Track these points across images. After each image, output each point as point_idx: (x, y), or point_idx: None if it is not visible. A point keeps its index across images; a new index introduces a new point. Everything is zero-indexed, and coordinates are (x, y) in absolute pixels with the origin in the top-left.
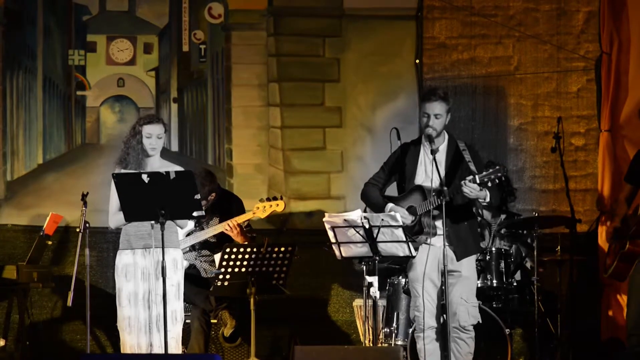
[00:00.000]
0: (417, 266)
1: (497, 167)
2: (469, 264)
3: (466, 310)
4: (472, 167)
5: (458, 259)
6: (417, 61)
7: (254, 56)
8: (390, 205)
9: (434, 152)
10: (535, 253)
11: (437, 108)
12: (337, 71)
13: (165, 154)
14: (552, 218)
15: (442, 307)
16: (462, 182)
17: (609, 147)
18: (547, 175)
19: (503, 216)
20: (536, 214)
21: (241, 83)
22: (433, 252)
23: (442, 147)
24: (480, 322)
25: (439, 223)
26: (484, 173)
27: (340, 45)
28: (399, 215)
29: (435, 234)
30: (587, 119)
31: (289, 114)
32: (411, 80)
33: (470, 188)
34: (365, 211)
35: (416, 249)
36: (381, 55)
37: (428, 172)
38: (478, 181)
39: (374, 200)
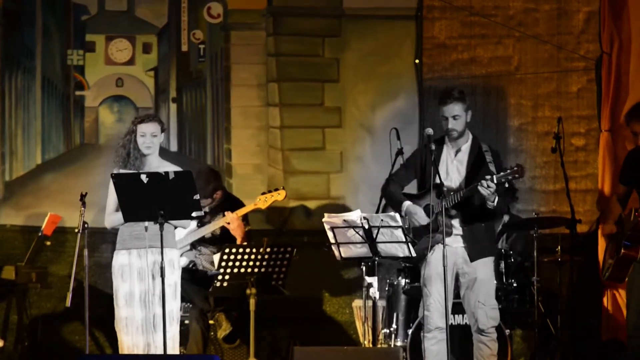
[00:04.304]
0: (432, 265)
1: (515, 168)
2: (484, 266)
3: (484, 313)
4: (492, 168)
5: (472, 260)
6: (417, 61)
7: (253, 56)
8: (407, 203)
9: (432, 152)
10: (535, 254)
11: (454, 109)
12: (337, 71)
13: (165, 154)
14: (552, 218)
15: (454, 307)
16: (480, 181)
17: (610, 147)
18: (547, 175)
19: (506, 217)
20: (536, 215)
21: (240, 83)
22: (447, 252)
23: (465, 147)
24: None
25: (455, 222)
26: (502, 173)
27: (340, 45)
28: (419, 212)
29: (450, 234)
30: (588, 119)
31: (289, 114)
32: (411, 81)
33: (485, 188)
34: (384, 209)
35: (432, 248)
36: (381, 55)
37: (450, 172)
38: (495, 181)
39: (393, 196)
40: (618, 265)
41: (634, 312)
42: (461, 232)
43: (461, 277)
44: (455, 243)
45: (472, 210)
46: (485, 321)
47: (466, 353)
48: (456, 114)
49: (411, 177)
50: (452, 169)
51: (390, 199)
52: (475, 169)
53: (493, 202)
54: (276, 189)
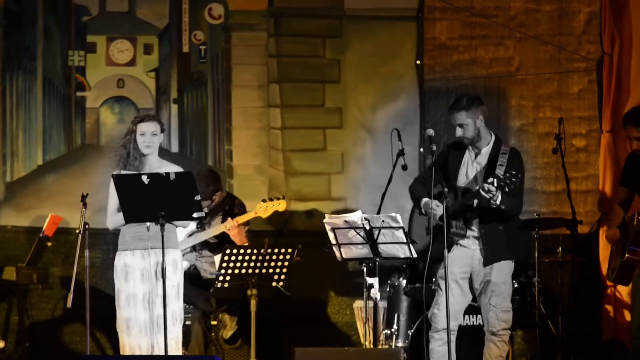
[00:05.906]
0: (449, 264)
1: (515, 173)
2: (499, 269)
3: (495, 315)
4: (500, 170)
5: (486, 264)
6: (418, 62)
7: (254, 57)
8: (425, 199)
9: (434, 153)
10: (536, 254)
11: (459, 118)
12: (338, 72)
13: (165, 155)
14: (553, 219)
15: (466, 308)
16: (482, 186)
17: (610, 148)
18: (548, 176)
19: None
20: (537, 216)
21: (241, 84)
22: (462, 253)
23: (485, 150)
24: (510, 326)
25: (474, 224)
26: (501, 177)
27: (341, 46)
28: (434, 204)
29: (464, 236)
30: (589, 120)
31: (289, 115)
32: (412, 81)
33: (486, 192)
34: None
35: (450, 247)
36: (382, 56)
37: (469, 174)
38: (496, 184)
39: (415, 194)
40: (623, 269)
41: (639, 314)
42: (477, 234)
43: (475, 279)
44: (472, 245)
45: (489, 211)
46: (496, 323)
47: (475, 354)
48: (461, 123)
49: (436, 177)
50: (471, 171)
51: (413, 196)
52: (489, 172)
53: (496, 200)
54: (277, 198)
